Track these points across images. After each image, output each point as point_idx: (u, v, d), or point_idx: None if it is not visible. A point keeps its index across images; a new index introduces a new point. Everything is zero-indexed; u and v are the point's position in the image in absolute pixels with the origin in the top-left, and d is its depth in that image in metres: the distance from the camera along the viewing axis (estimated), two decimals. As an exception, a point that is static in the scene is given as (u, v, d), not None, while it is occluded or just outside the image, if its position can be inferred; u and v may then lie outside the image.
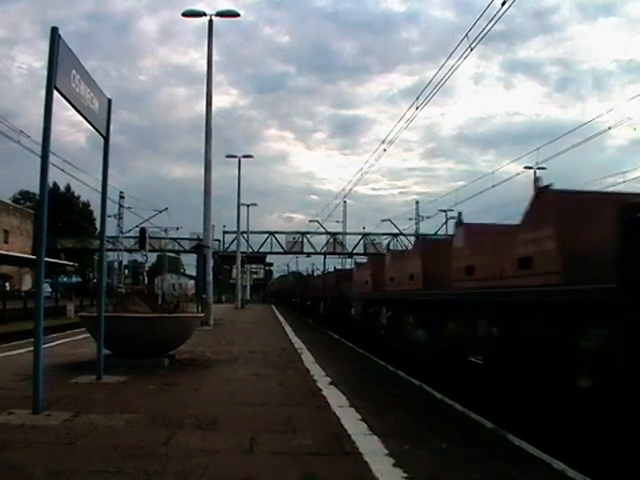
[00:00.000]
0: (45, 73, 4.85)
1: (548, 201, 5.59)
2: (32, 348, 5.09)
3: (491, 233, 7.48)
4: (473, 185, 70.45)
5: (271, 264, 72.60)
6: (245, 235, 48.64)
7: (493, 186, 35.23)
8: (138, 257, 54.41)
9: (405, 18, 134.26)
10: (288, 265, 71.20)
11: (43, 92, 4.85)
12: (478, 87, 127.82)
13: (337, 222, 57.48)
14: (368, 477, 3.36)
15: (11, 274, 43.46)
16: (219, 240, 53.61)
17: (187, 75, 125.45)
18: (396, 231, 55.19)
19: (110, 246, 47.61)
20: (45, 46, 4.85)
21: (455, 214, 41.36)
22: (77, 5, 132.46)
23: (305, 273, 54.73)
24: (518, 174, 38.04)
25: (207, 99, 18.64)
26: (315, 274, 45.05)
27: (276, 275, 78.22)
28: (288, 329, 17.20)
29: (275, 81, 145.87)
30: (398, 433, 4.39)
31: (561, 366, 4.83)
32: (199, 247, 20.87)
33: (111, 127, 6.57)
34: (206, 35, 18.72)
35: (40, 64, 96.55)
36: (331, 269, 31.29)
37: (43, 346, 5.00)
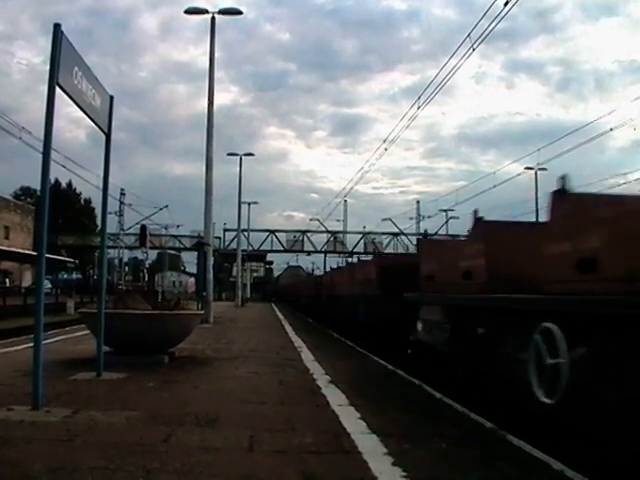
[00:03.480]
0: (47, 69, 4.86)
1: (374, 263, 13.65)
2: (32, 344, 5.08)
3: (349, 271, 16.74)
4: (474, 185, 70.64)
5: (271, 262, 72.86)
6: (246, 233, 48.71)
7: (494, 186, 35.50)
8: (138, 254, 54.65)
9: (406, 16, 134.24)
10: (288, 263, 71.40)
11: (43, 88, 4.85)
12: (479, 87, 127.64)
13: (338, 221, 57.86)
14: (367, 476, 3.36)
15: (12, 270, 43.58)
16: (220, 238, 53.82)
17: (187, 72, 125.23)
18: (397, 230, 55.29)
19: (111, 243, 47.71)
20: (45, 42, 4.89)
21: (456, 214, 41.45)
22: (77, 1, 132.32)
23: (306, 270, 55.17)
24: (519, 174, 38.26)
25: (209, 97, 18.57)
26: (314, 273, 46.96)
27: (276, 273, 78.26)
28: (288, 327, 17.21)
29: (276, 79, 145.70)
30: (397, 432, 4.39)
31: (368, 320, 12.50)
32: (200, 245, 20.90)
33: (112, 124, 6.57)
34: (207, 32, 18.71)
35: (40, 60, 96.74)
36: (330, 268, 34.26)
37: (43, 342, 4.99)
